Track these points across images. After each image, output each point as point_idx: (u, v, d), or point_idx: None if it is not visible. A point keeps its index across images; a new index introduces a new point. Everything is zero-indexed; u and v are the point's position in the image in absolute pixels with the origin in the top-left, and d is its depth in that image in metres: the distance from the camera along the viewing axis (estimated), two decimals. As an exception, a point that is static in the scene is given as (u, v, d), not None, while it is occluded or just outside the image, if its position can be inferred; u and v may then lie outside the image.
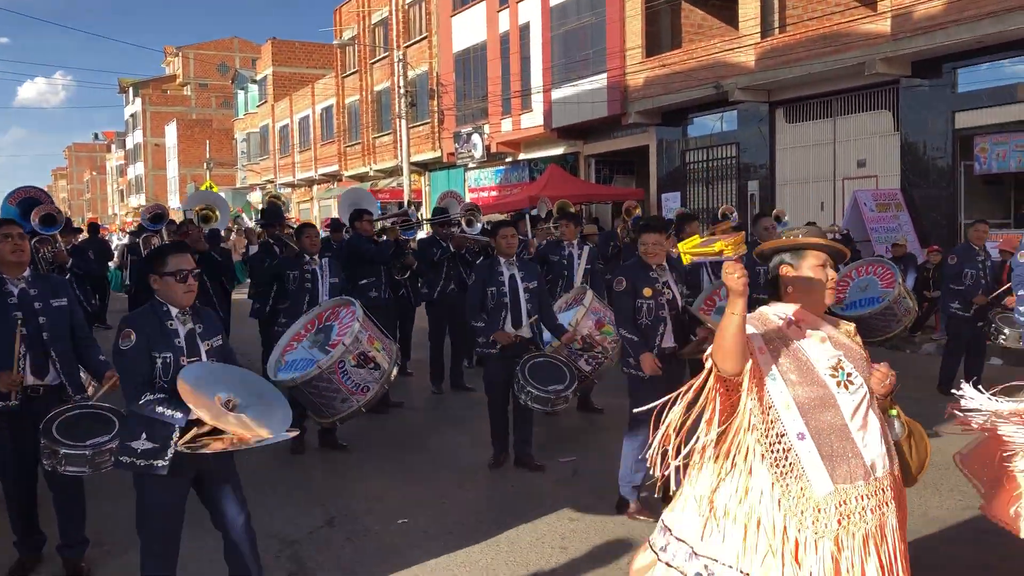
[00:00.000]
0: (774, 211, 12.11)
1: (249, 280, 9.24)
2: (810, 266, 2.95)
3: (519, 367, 6.01)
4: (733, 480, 2.79)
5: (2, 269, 4.57)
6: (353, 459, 6.85)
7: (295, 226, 8.71)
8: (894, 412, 2.93)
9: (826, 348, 2.86)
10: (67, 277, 7.37)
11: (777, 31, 17.41)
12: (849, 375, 2.81)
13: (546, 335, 6.74)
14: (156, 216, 9.59)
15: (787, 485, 2.72)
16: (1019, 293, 6.49)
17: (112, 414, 4.55)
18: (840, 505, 2.70)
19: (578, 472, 6.31)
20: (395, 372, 6.36)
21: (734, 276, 2.65)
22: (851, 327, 3.01)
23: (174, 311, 3.79)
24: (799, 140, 17.72)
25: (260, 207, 43.14)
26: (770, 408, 2.77)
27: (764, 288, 3.13)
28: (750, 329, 2.82)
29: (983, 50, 13.70)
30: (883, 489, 2.77)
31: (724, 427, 2.83)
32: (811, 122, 17.41)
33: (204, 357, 3.83)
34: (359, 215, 8.95)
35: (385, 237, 9.22)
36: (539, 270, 6.76)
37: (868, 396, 2.82)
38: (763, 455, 2.76)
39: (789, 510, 2.70)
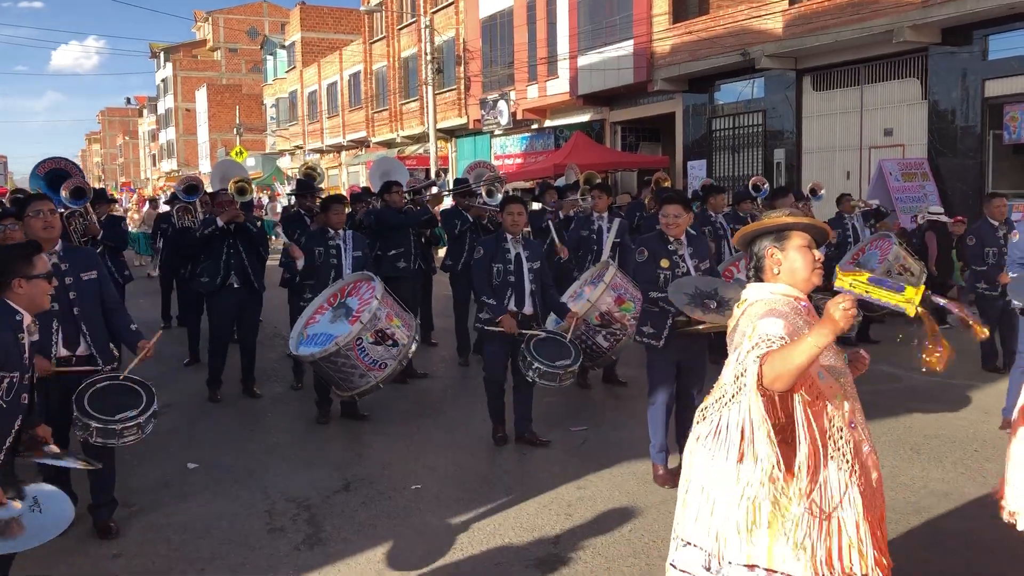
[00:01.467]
0: (811, 184, 11.96)
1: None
2: (795, 247, 2.90)
3: (524, 344, 5.98)
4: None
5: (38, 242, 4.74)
6: (371, 428, 7.03)
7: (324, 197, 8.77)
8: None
9: None
10: (99, 250, 7.53)
11: (805, -3, 17.17)
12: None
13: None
14: (190, 187, 9.74)
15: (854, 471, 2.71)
16: (1012, 275, 6.41)
17: (141, 387, 4.76)
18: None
19: (588, 441, 6.46)
20: (414, 348, 6.46)
21: (849, 312, 2.46)
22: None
23: (27, 319, 3.59)
24: (826, 108, 17.55)
25: (292, 174, 43.47)
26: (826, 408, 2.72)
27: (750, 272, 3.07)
28: (779, 321, 2.72)
29: (1015, 17, 13.45)
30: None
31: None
32: (838, 90, 17.23)
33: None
34: (388, 187, 9.03)
35: (419, 207, 9.26)
36: (542, 250, 6.66)
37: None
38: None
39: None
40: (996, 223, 8.23)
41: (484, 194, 9.62)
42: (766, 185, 11.14)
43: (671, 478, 5.26)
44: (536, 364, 5.88)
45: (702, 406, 2.93)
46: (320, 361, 6.20)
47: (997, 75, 14.16)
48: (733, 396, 2.73)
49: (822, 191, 11.85)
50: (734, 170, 19.74)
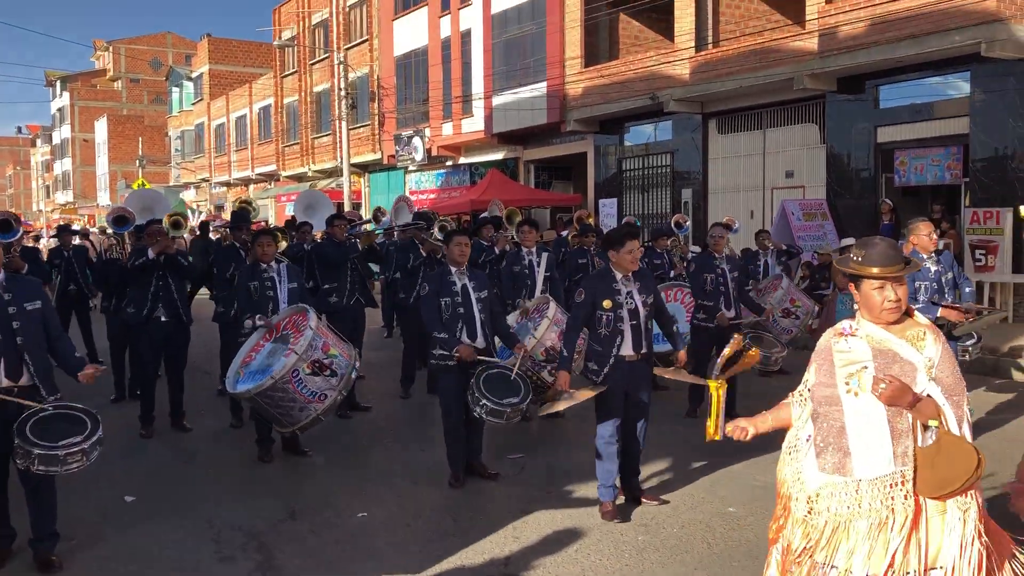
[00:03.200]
0: (725, 219, 12.63)
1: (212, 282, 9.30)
2: (869, 288, 3.06)
3: (474, 379, 5.88)
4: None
5: None
6: (313, 459, 7.07)
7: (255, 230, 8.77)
8: (934, 423, 2.93)
9: (859, 355, 3.06)
10: None
11: (711, 46, 18.06)
12: (861, 383, 3.01)
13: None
14: (119, 219, 9.62)
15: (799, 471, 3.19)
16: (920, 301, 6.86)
17: (85, 415, 4.75)
18: (830, 496, 3.04)
19: (525, 468, 6.67)
20: (353, 377, 6.41)
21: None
22: (928, 332, 3.08)
23: None
24: (730, 150, 18.42)
25: (197, 207, 42.62)
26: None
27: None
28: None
29: (902, 69, 14.49)
30: (889, 486, 2.97)
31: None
32: (742, 133, 18.12)
33: None
34: (331, 220, 9.01)
35: (357, 241, 9.33)
36: (487, 279, 6.60)
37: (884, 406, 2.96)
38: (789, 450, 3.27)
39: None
40: (716, 255, 8.21)
41: (437, 230, 9.79)
42: (688, 222, 11.67)
43: (618, 513, 5.49)
44: (484, 400, 5.76)
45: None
46: (257, 397, 6.10)
47: (888, 122, 15.17)
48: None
49: (736, 225, 12.42)
50: (644, 209, 20.44)
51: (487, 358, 6.16)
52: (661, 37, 20.85)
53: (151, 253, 7.70)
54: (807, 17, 15.65)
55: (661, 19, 20.29)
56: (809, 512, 3.08)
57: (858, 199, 15.73)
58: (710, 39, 18.24)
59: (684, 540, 5.14)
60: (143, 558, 5.01)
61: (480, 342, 6.21)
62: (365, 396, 9.25)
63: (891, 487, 2.97)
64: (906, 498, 2.95)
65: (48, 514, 4.89)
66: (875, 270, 3.00)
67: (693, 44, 17.96)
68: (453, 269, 6.28)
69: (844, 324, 3.17)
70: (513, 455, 6.97)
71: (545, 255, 8.84)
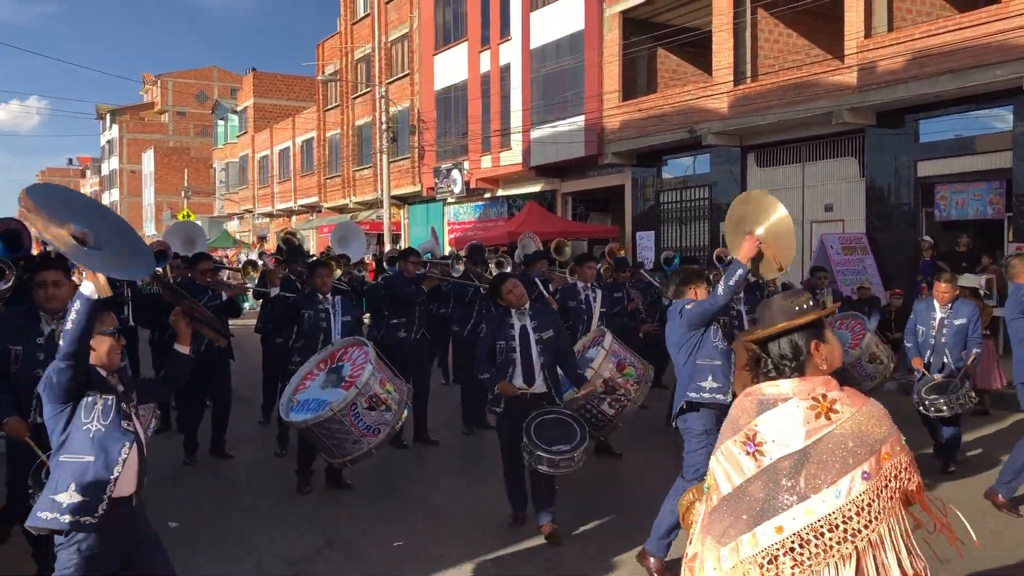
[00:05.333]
0: (716, 251, 12.27)
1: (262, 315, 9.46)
2: (829, 333, 2.68)
3: (525, 425, 5.66)
4: None
5: (40, 309, 4.81)
6: (353, 490, 7.15)
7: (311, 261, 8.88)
8: None
9: None
10: None
11: (749, 80, 18.13)
12: None
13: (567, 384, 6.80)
14: (159, 253, 9.88)
15: None
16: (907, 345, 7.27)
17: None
18: None
19: (561, 501, 6.68)
20: (405, 414, 6.37)
21: None
22: None
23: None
24: (769, 183, 18.38)
25: (241, 239, 43.35)
26: None
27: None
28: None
29: (942, 103, 14.44)
30: None
31: None
32: (781, 166, 18.10)
33: None
34: (405, 255, 9.07)
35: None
36: (556, 317, 6.32)
37: None
38: None
39: None
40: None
41: (494, 266, 9.84)
42: (729, 255, 11.46)
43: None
44: (534, 449, 5.54)
45: None
46: (313, 427, 6.09)
47: (928, 156, 15.10)
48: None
49: (729, 257, 11.97)
50: (681, 241, 20.45)
51: (544, 408, 5.85)
52: (699, 71, 20.98)
53: (224, 296, 8.00)
54: (846, 51, 15.67)
55: (699, 53, 20.45)
56: None
57: (898, 233, 15.62)
58: (748, 73, 18.31)
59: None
60: (185, 584, 5.11)
61: (539, 386, 5.88)
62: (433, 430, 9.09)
63: None
64: None
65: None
66: None
67: (731, 78, 18.04)
68: (513, 310, 5.98)
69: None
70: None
71: (600, 291, 8.71)
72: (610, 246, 12.42)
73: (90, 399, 3.43)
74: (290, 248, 9.90)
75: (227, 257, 30.82)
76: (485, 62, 25.82)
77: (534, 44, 23.23)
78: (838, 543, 2.32)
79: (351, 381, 6.23)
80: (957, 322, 7.19)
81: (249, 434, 9.22)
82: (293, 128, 40.45)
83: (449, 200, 28.14)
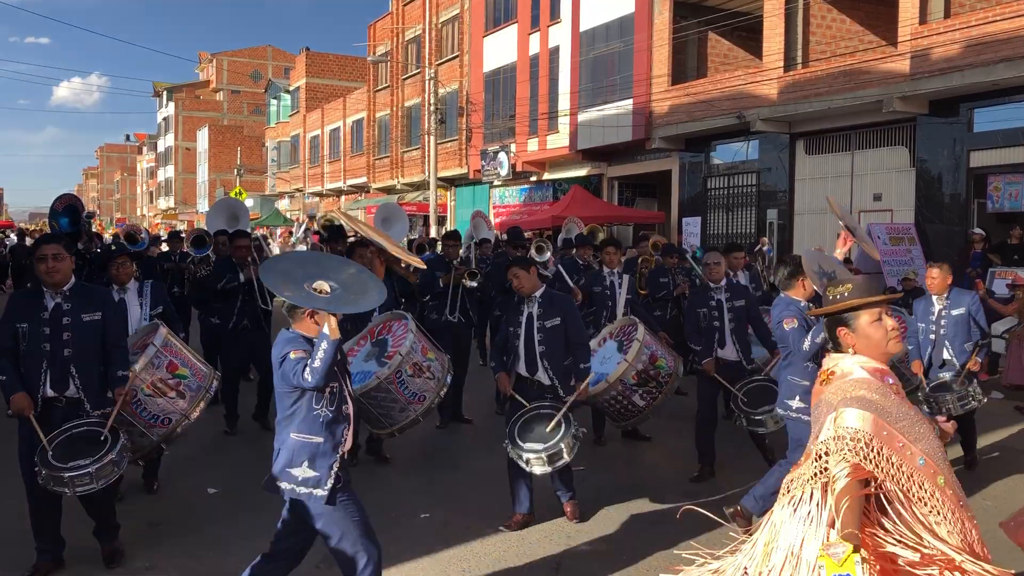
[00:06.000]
0: (761, 240, 12.00)
1: None
2: (865, 323, 2.91)
3: (508, 426, 5.56)
4: None
5: (44, 284, 4.82)
6: (390, 464, 7.31)
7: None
8: None
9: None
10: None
11: (800, 66, 17.89)
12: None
13: (598, 373, 6.80)
14: (198, 239, 10.07)
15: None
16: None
17: (110, 434, 4.76)
18: None
19: (585, 480, 6.78)
20: (448, 381, 6.44)
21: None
22: None
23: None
24: (818, 171, 18.17)
25: (293, 217, 43.95)
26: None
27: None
28: (866, 415, 2.70)
29: (998, 92, 14.13)
30: None
31: None
32: (830, 154, 17.87)
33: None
34: (448, 238, 9.14)
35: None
36: (567, 305, 5.99)
37: None
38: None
39: None
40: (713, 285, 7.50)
41: (534, 251, 9.90)
42: (767, 245, 11.27)
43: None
44: (515, 449, 5.45)
45: (788, 478, 2.90)
46: (361, 398, 6.07)
47: (982, 146, 14.79)
48: (814, 476, 2.73)
49: (767, 247, 11.59)
50: (728, 228, 20.30)
51: (544, 401, 5.70)
52: (750, 56, 20.76)
53: (242, 277, 8.16)
54: (900, 38, 15.40)
55: (750, 38, 20.23)
56: None
57: (948, 224, 15.35)
58: (799, 59, 18.07)
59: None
60: (223, 546, 5.32)
61: (541, 375, 5.76)
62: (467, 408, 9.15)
63: None
64: None
65: (100, 513, 5.00)
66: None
67: (782, 64, 17.83)
68: (525, 298, 5.87)
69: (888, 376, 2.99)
70: (574, 467, 7.08)
71: (627, 277, 8.62)
72: (653, 239, 12.25)
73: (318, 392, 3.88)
74: (330, 229, 10.02)
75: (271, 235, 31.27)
76: (534, 44, 25.80)
77: (584, 27, 23.16)
78: (815, 473, 2.74)
79: (394, 351, 6.32)
80: (955, 312, 6.92)
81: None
82: (344, 108, 40.83)
83: (496, 183, 28.24)
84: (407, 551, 5.26)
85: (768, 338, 6.95)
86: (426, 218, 28.92)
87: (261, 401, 8.45)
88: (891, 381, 2.86)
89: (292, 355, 3.82)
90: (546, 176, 26.32)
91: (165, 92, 75.28)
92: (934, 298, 7.07)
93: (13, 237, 26.35)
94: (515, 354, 5.82)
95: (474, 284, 8.81)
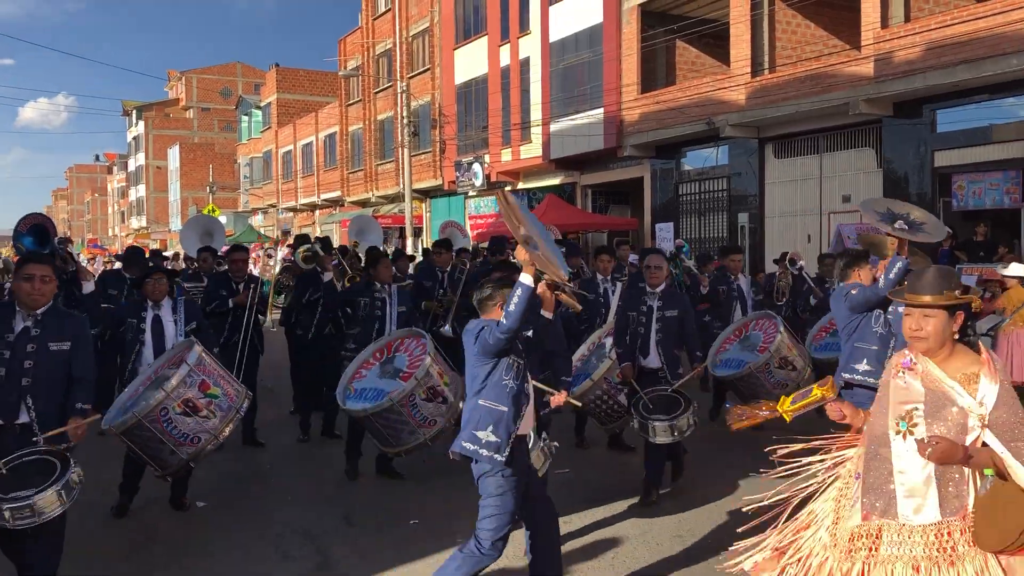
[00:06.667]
0: (789, 255, 11.73)
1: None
2: (905, 315, 3.11)
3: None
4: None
5: (18, 302, 4.57)
6: (367, 474, 7.35)
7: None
8: (989, 472, 2.87)
9: (913, 394, 3.01)
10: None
11: (767, 71, 18.20)
12: (914, 426, 2.96)
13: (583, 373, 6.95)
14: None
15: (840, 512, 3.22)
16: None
17: (60, 462, 4.34)
18: (873, 537, 3.02)
19: (571, 483, 6.91)
20: (461, 405, 6.13)
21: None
22: (984, 371, 2.97)
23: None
24: (787, 175, 18.47)
25: (265, 232, 43.78)
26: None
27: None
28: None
29: (959, 93, 14.47)
30: (935, 535, 2.92)
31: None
32: (799, 157, 18.18)
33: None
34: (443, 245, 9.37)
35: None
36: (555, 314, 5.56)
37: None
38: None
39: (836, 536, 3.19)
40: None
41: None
42: (801, 260, 10.85)
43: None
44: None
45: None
46: (371, 416, 6.16)
47: (945, 146, 15.12)
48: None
49: (801, 261, 11.36)
50: (700, 232, 20.56)
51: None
52: (718, 63, 21.05)
53: (231, 303, 8.17)
54: (863, 42, 15.73)
55: (717, 45, 20.52)
56: (849, 544, 3.08)
57: (916, 223, 15.63)
58: (766, 64, 18.38)
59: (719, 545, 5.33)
60: (212, 555, 5.39)
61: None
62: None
63: (936, 537, 2.91)
64: (951, 550, 2.89)
65: (44, 553, 4.44)
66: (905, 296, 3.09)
67: (749, 69, 18.12)
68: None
69: (906, 357, 3.11)
70: (559, 470, 7.20)
71: (620, 284, 8.68)
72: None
73: (510, 360, 4.25)
74: (321, 241, 10.02)
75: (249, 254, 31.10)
76: (505, 56, 26.00)
77: (553, 37, 23.39)
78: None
79: (410, 372, 6.27)
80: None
81: (277, 423, 9.43)
82: (316, 123, 40.83)
83: (470, 193, 28.37)
84: (398, 556, 5.36)
85: (695, 352, 6.72)
86: (402, 230, 28.99)
87: (249, 417, 8.46)
88: (907, 371, 3.14)
89: (486, 329, 4.20)
90: (521, 185, 26.49)
91: (135, 111, 74.73)
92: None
93: None
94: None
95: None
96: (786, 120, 17.43)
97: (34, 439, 4.39)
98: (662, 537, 5.60)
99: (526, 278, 4.02)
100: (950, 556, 2.87)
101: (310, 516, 6.16)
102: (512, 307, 4.00)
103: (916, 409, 2.97)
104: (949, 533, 2.89)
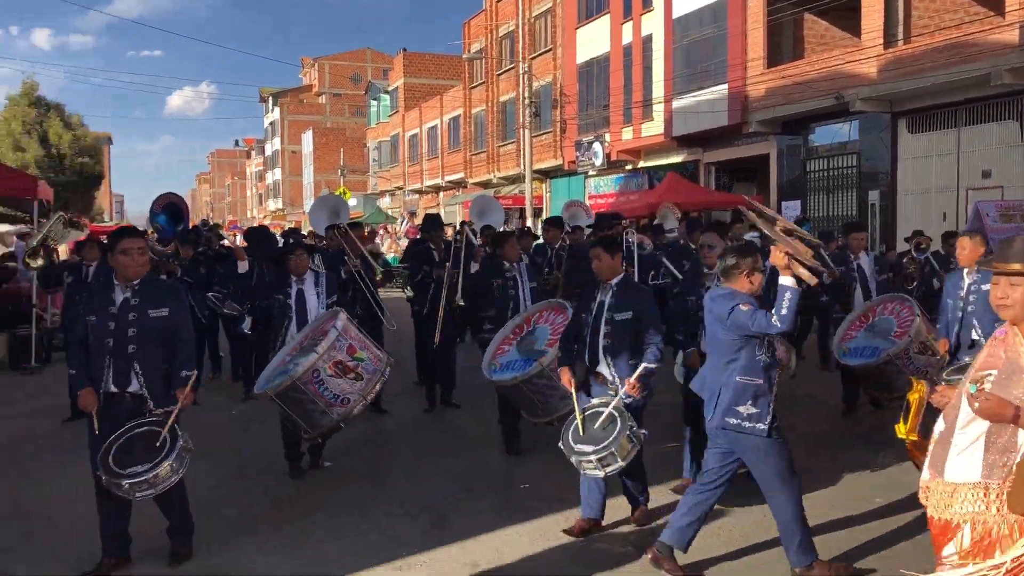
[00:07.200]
0: (916, 239, 11.22)
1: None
2: (992, 284, 3.09)
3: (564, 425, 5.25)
4: None
5: (116, 276, 4.80)
6: (481, 446, 7.66)
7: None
8: None
9: (994, 361, 3.00)
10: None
11: (901, 42, 17.44)
12: (982, 390, 2.90)
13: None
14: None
15: None
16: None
17: (170, 437, 4.62)
18: (935, 493, 3.09)
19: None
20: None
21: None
22: None
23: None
24: (922, 150, 17.68)
25: (392, 214, 45.01)
26: None
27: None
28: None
29: (1115, 59, 13.52)
30: (974, 496, 2.97)
31: None
32: (935, 132, 17.36)
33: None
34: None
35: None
36: (642, 298, 5.47)
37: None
38: None
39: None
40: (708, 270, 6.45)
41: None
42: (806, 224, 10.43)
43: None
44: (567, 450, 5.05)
45: None
46: (522, 384, 6.16)
47: (1098, 117, 14.17)
48: None
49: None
50: (828, 211, 19.94)
51: (592, 398, 5.32)
52: (847, 35, 20.29)
53: (344, 275, 8.57)
54: (1007, 8, 14.87)
55: (847, 17, 19.75)
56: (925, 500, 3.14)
57: (1063, 199, 14.74)
58: (900, 35, 17.61)
59: (737, 533, 5.29)
60: (337, 516, 5.73)
61: (603, 369, 5.34)
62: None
63: (975, 498, 2.95)
64: (984, 509, 2.93)
65: (174, 511, 4.91)
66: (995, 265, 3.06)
67: (882, 41, 17.41)
68: (601, 281, 5.46)
69: (1001, 328, 3.09)
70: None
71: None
72: (735, 229, 11.26)
73: (759, 340, 4.49)
74: (428, 219, 10.23)
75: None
76: (627, 33, 25.81)
77: (676, 13, 23.06)
78: None
79: (554, 339, 6.31)
80: (986, 287, 5.23)
81: (404, 392, 9.77)
82: (441, 106, 41.60)
83: (590, 173, 28.37)
84: (511, 517, 5.57)
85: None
86: (522, 211, 29.28)
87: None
88: (999, 340, 3.09)
89: (742, 307, 4.41)
90: (641, 164, 26.31)
91: (271, 97, 77.85)
92: (964, 272, 6.24)
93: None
94: (583, 344, 5.39)
95: None
96: (921, 93, 16.67)
97: (146, 411, 4.71)
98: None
99: (788, 281, 4.29)
100: (993, 511, 2.92)
101: (429, 481, 6.46)
102: (785, 311, 4.25)
103: (990, 375, 2.96)
104: (985, 493, 2.93)
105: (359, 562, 4.93)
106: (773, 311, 4.29)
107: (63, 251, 15.16)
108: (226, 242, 12.31)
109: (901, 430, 3.54)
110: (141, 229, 6.76)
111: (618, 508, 5.52)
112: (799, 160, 20.76)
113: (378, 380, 6.02)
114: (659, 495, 5.81)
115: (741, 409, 4.45)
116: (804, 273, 4.39)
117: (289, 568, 4.89)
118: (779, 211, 20.88)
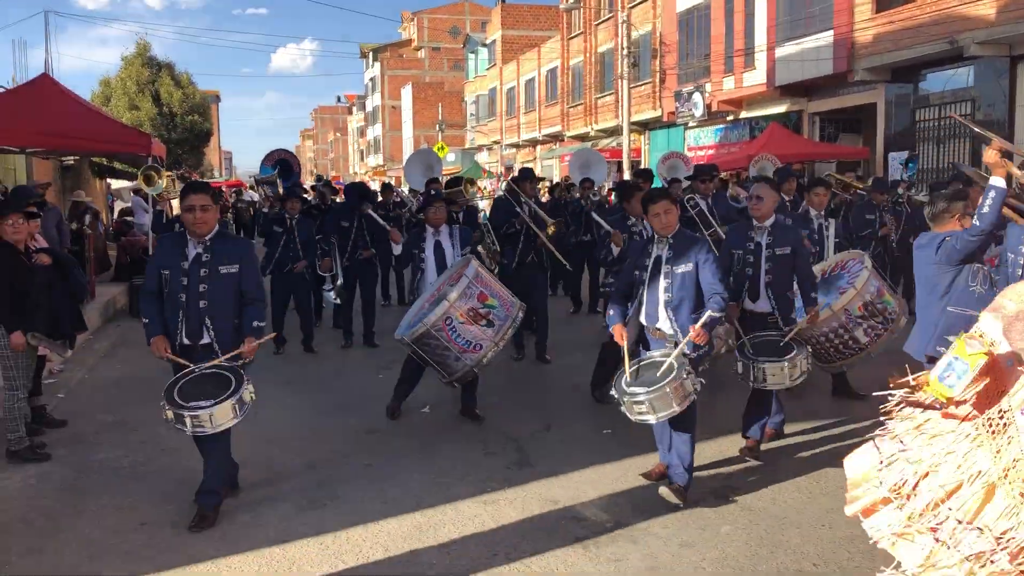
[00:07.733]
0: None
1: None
2: None
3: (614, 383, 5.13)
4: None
5: (188, 232, 4.87)
6: (568, 387, 7.82)
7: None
8: None
9: None
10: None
11: (1022, -20, 16.45)
12: None
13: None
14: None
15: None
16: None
17: (233, 376, 4.73)
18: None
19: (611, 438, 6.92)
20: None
21: None
22: None
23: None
24: (1043, 96, 16.73)
25: (489, 169, 45.23)
26: None
27: None
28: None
29: None
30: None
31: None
32: (1058, 77, 16.39)
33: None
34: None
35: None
36: (702, 249, 5.16)
37: None
38: None
39: None
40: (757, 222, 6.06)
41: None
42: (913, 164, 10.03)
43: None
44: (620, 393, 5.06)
45: None
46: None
47: None
48: None
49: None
50: (939, 162, 19.11)
51: (647, 351, 5.23)
52: (965, -25, 19.22)
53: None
54: None
55: (965, -45, 18.70)
56: None
57: None
58: (1022, -27, 16.59)
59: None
60: (431, 456, 5.98)
61: (663, 324, 5.14)
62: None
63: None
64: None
65: (211, 469, 4.90)
66: None
67: (1001, -20, 16.45)
68: (656, 236, 5.25)
69: None
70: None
71: (833, 222, 8.08)
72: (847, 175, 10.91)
73: (974, 268, 4.47)
74: (522, 172, 10.17)
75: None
76: (729, -21, 25.07)
77: (780, -43, 22.25)
78: None
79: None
80: None
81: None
82: (538, 58, 41.36)
83: (690, 124, 27.87)
84: (592, 457, 5.70)
85: (809, 294, 5.81)
86: (620, 164, 29.02)
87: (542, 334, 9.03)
88: None
89: (948, 239, 4.44)
90: (743, 115, 25.67)
91: (371, 53, 78.76)
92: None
93: (251, 195, 28.33)
94: (640, 300, 5.22)
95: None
96: (1043, 35, 15.73)
97: (226, 358, 4.78)
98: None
99: (998, 180, 4.18)
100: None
101: (515, 422, 6.67)
102: (986, 209, 4.16)
103: None
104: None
105: (448, 495, 5.18)
106: (974, 212, 4.29)
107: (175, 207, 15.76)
108: (338, 198, 12.63)
109: (937, 388, 3.13)
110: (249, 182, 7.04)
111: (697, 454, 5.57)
112: (908, 109, 19.90)
113: (509, 326, 6.23)
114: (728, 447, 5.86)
115: (952, 339, 4.23)
116: (1017, 172, 4.42)
117: (380, 502, 5.14)
118: (885, 164, 20.16)
